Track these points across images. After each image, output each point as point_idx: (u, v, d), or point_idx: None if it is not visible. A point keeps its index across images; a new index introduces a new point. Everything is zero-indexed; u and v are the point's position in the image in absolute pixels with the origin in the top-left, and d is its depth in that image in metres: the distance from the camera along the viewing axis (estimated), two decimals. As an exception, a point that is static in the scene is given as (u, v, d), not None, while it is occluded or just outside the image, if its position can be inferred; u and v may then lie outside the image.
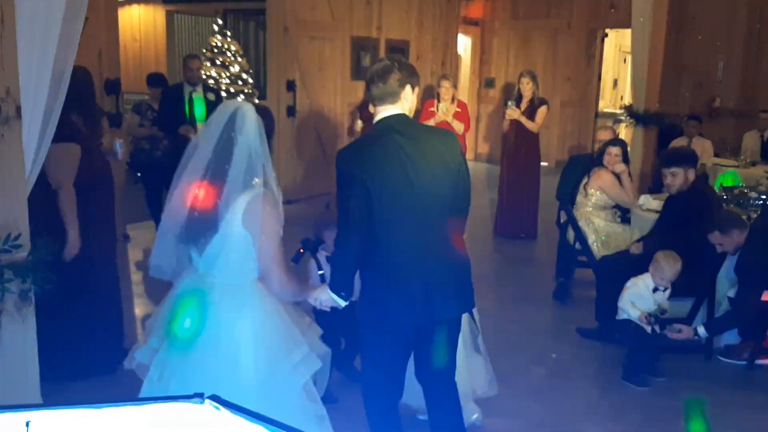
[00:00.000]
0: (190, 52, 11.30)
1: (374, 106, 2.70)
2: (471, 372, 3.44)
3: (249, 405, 2.25)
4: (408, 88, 2.67)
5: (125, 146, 4.52)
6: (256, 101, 8.71)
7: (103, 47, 6.65)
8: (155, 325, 2.55)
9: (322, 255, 3.76)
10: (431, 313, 2.70)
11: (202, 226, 2.39)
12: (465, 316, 3.36)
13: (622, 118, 10.28)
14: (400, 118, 2.69)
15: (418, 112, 7.81)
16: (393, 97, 2.65)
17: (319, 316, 3.67)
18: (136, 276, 5.99)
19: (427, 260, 2.66)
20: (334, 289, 2.71)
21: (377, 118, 2.69)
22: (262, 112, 2.56)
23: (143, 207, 7.58)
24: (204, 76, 9.49)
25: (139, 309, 5.25)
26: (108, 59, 6.76)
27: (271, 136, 2.63)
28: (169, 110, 6.63)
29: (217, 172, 2.36)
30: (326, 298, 2.72)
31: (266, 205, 2.39)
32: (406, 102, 2.69)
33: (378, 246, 2.62)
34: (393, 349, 2.78)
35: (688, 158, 4.44)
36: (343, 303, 2.71)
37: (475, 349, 3.50)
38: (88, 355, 3.98)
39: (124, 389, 2.69)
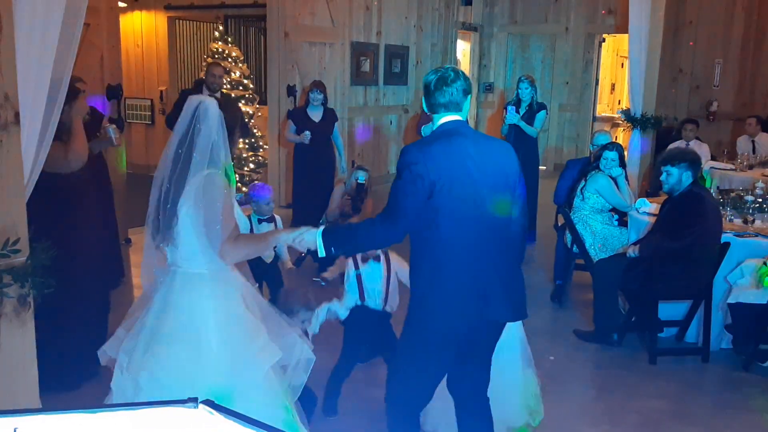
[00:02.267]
0: (191, 58, 11.37)
1: (434, 113, 2.73)
2: (526, 385, 3.50)
3: (217, 390, 2.34)
4: (469, 97, 2.74)
5: (118, 132, 4.53)
6: (232, 95, 8.75)
7: (104, 53, 6.71)
8: (126, 320, 2.67)
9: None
10: (485, 314, 2.66)
11: (168, 215, 2.49)
12: (520, 330, 3.43)
13: (620, 122, 10.33)
14: (462, 123, 2.72)
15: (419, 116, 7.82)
16: (457, 105, 2.69)
17: (350, 330, 3.72)
18: (137, 279, 6.01)
19: (485, 263, 2.63)
20: (329, 242, 2.63)
21: (438, 123, 2.71)
22: (227, 104, 2.69)
23: (145, 211, 7.58)
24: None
25: (139, 313, 5.27)
26: (110, 65, 6.81)
27: (237, 126, 2.69)
28: (181, 110, 6.68)
29: (185, 162, 2.48)
30: (310, 240, 2.64)
31: (211, 182, 2.47)
32: (466, 111, 2.74)
33: (436, 246, 2.60)
34: (440, 353, 2.72)
35: (684, 159, 4.46)
36: (322, 253, 2.64)
37: (528, 364, 3.55)
38: (70, 360, 4.01)
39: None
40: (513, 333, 3.39)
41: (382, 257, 3.62)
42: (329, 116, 6.85)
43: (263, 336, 2.58)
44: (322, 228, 2.66)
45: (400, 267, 3.60)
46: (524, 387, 3.54)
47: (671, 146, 8.07)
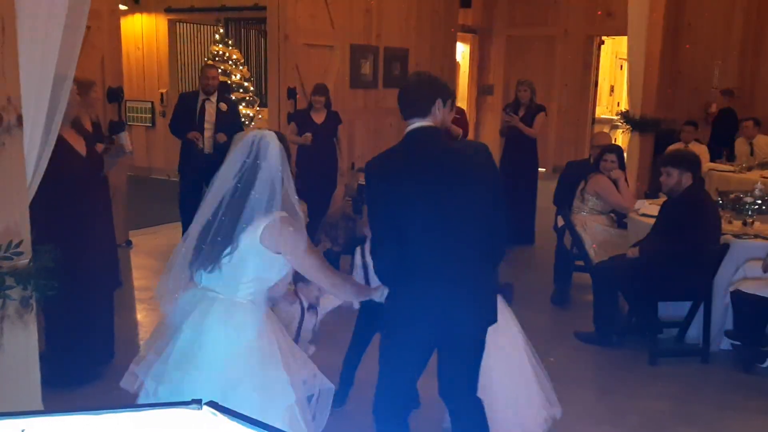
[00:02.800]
0: (192, 60, 11.39)
1: (404, 118, 2.71)
2: (541, 384, 3.54)
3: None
4: (439, 101, 2.66)
5: (129, 138, 4.53)
6: (233, 98, 8.73)
7: (105, 55, 6.72)
8: (154, 341, 2.59)
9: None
10: (450, 326, 2.68)
11: (219, 245, 2.44)
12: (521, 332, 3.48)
13: (619, 124, 10.35)
14: (430, 130, 2.67)
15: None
16: (424, 111, 2.65)
17: (360, 319, 3.78)
18: (138, 282, 6.03)
19: (451, 272, 2.63)
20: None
21: (407, 129, 2.69)
22: (280, 139, 2.61)
23: (146, 213, 7.62)
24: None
25: (141, 315, 5.29)
26: (111, 67, 6.83)
27: (288, 161, 2.67)
28: (181, 116, 6.80)
29: (239, 195, 2.44)
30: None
31: (286, 226, 2.45)
32: (438, 115, 2.68)
33: (403, 256, 2.61)
34: (408, 359, 2.76)
35: (684, 161, 4.48)
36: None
37: (537, 362, 3.58)
38: (76, 360, 4.02)
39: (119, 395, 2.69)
40: (515, 335, 3.41)
41: None
42: (332, 119, 6.88)
43: (280, 371, 2.49)
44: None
45: None
46: (539, 387, 3.55)
47: (670, 148, 8.11)
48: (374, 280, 3.60)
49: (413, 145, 2.65)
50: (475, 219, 2.65)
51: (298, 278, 3.28)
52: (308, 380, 2.52)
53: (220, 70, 9.27)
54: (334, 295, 2.63)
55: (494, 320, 2.81)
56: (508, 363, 3.41)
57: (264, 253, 2.44)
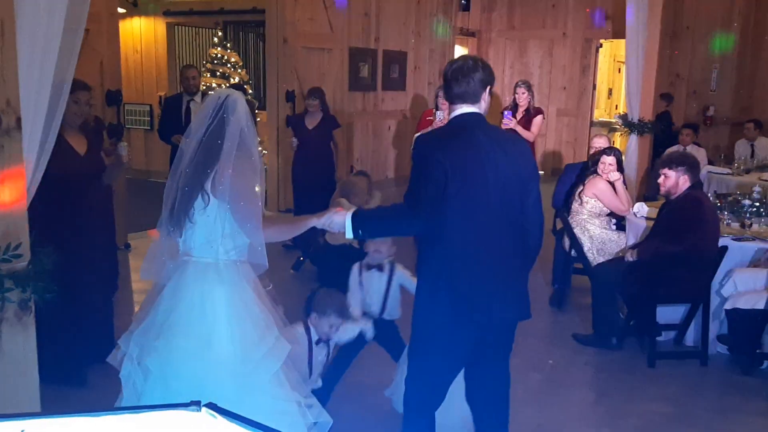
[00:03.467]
0: (190, 63, 11.39)
1: (451, 103, 2.69)
2: None
3: (222, 391, 2.34)
4: (488, 89, 2.68)
5: (128, 148, 4.55)
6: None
7: (104, 58, 6.72)
8: (137, 313, 2.67)
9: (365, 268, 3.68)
10: (491, 315, 2.65)
11: (185, 198, 2.48)
12: None
13: (617, 126, 10.36)
14: (478, 117, 2.67)
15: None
16: (474, 96, 2.64)
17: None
18: (137, 285, 6.02)
19: (492, 261, 2.61)
20: (358, 225, 2.64)
21: (454, 114, 2.67)
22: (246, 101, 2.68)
23: (144, 216, 7.58)
24: (204, 87, 9.56)
25: (139, 318, 5.28)
26: (109, 70, 6.83)
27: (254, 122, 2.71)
28: (167, 120, 6.79)
29: (210, 149, 2.47)
30: (339, 222, 2.67)
31: (236, 166, 2.45)
32: (484, 103, 2.68)
33: (443, 243, 2.57)
34: (448, 353, 2.70)
35: (683, 163, 4.48)
36: (350, 235, 2.67)
37: None
38: (74, 361, 4.03)
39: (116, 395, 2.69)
40: None
41: (386, 267, 3.64)
42: (327, 123, 6.83)
43: (274, 332, 2.55)
44: (352, 210, 2.69)
45: (405, 277, 3.61)
46: None
47: (669, 150, 8.12)
48: (365, 302, 3.61)
49: (465, 129, 2.63)
50: (516, 211, 2.66)
51: (310, 309, 3.28)
52: (270, 350, 2.54)
53: (219, 73, 9.30)
54: (270, 238, 2.56)
55: (530, 315, 2.79)
56: None
57: (217, 206, 2.46)
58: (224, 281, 2.52)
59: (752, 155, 8.25)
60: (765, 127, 8.71)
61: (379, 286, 3.62)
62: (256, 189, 2.49)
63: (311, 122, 6.81)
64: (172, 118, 6.71)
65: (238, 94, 2.56)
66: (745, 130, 8.48)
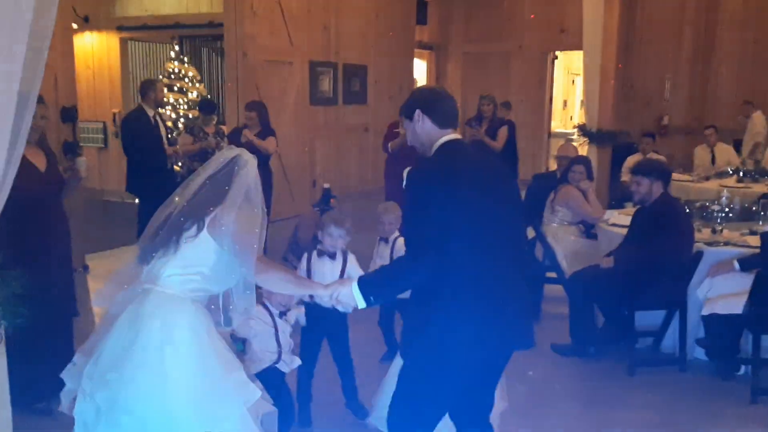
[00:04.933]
0: (145, 78, 11.14)
1: (439, 127, 2.58)
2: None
3: (186, 420, 2.27)
4: None
5: (86, 164, 4.39)
6: (190, 116, 8.77)
7: (59, 74, 6.49)
8: (85, 344, 2.53)
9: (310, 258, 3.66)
10: (504, 344, 2.56)
11: (180, 224, 2.42)
12: None
13: (574, 137, 10.51)
14: (463, 143, 2.64)
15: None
16: (456, 123, 2.61)
17: (305, 330, 3.66)
18: (98, 308, 5.78)
19: (503, 286, 2.51)
20: (366, 290, 2.49)
21: (442, 140, 2.57)
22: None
23: (101, 236, 7.37)
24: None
25: (103, 343, 5.06)
26: (64, 86, 6.60)
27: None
28: (139, 135, 6.67)
29: (215, 191, 2.46)
30: (347, 294, 2.51)
31: (239, 216, 2.43)
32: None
33: (452, 275, 2.42)
34: (452, 385, 2.55)
35: (654, 170, 4.53)
36: (363, 305, 2.51)
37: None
38: (38, 387, 3.84)
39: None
40: None
41: (339, 256, 3.59)
42: (264, 134, 6.59)
43: (240, 371, 2.45)
44: (356, 281, 2.53)
45: (356, 270, 3.58)
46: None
47: (629, 159, 8.26)
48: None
49: (457, 156, 2.56)
50: (512, 226, 2.61)
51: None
52: (237, 387, 2.45)
53: (176, 88, 9.11)
54: (273, 289, 2.60)
55: (532, 344, 2.67)
56: None
57: (214, 247, 2.42)
58: (188, 312, 2.42)
59: (713, 161, 8.43)
60: (720, 133, 8.91)
61: (332, 276, 3.51)
62: (256, 230, 2.45)
63: (249, 137, 6.53)
64: (144, 132, 6.56)
65: (250, 156, 2.57)
66: (706, 136, 8.67)
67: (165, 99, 6.78)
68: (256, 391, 2.45)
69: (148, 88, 6.75)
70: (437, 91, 2.71)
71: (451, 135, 2.59)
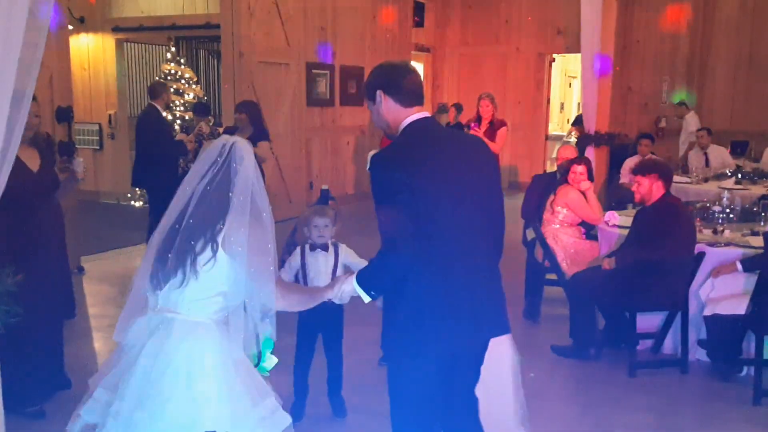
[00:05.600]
0: (141, 80, 11.10)
1: (403, 106, 2.44)
2: (518, 402, 3.39)
3: None
4: None
5: (83, 165, 4.35)
6: (187, 117, 8.83)
7: (54, 74, 6.43)
8: (104, 377, 2.33)
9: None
10: (478, 332, 2.49)
11: (191, 248, 2.23)
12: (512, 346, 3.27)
13: (571, 140, 10.49)
14: (432, 121, 2.51)
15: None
16: (422, 97, 2.49)
17: (301, 321, 3.69)
18: (93, 309, 5.72)
19: (475, 273, 2.44)
20: (366, 286, 2.42)
21: (408, 120, 2.44)
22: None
23: (96, 238, 7.32)
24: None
25: (99, 343, 5.00)
26: (60, 86, 6.55)
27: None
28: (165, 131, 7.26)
29: (217, 202, 2.26)
30: (350, 290, 2.45)
31: (250, 227, 2.26)
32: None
33: (422, 262, 2.34)
34: (433, 378, 2.48)
35: (655, 169, 4.50)
36: (368, 299, 2.45)
37: (520, 385, 3.43)
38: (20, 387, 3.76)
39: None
40: (508, 346, 3.27)
41: (330, 248, 3.60)
42: (255, 137, 6.29)
43: (270, 398, 2.31)
44: (354, 275, 2.47)
45: (350, 258, 3.61)
46: (517, 404, 3.44)
47: (627, 161, 8.24)
48: (313, 282, 3.56)
49: (426, 137, 2.44)
50: (486, 209, 2.50)
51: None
52: (266, 417, 2.29)
53: (173, 89, 9.06)
54: (284, 307, 2.41)
55: (508, 329, 2.63)
56: (493, 374, 3.25)
57: (232, 263, 2.25)
58: (215, 340, 2.27)
59: (707, 163, 8.41)
60: (714, 135, 8.90)
61: (326, 268, 3.58)
62: (269, 247, 2.28)
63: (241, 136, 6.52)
64: (162, 128, 7.07)
65: (244, 142, 2.36)
66: (699, 139, 8.65)
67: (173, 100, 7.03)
68: (285, 419, 2.33)
69: (161, 89, 7.15)
70: (398, 66, 2.55)
71: (418, 114, 2.45)
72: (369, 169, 2.58)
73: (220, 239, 2.23)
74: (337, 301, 2.54)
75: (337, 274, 3.56)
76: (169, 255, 2.25)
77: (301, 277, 3.62)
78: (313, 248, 3.58)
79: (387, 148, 2.49)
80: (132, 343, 2.30)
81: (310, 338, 3.77)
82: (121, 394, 2.22)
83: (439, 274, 2.39)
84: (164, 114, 7.02)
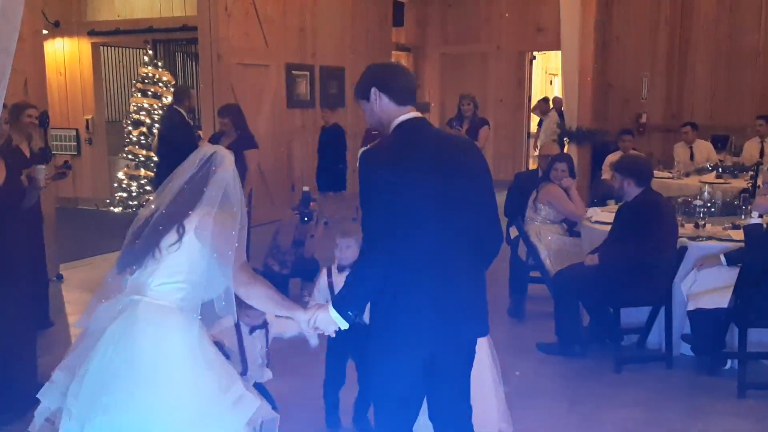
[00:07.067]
0: (118, 84, 10.97)
1: (397, 104, 2.45)
2: (498, 404, 3.38)
3: None
4: None
5: (44, 172, 4.28)
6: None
7: (29, 79, 6.33)
8: (66, 361, 2.37)
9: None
10: (454, 332, 2.47)
11: (159, 232, 2.31)
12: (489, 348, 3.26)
13: (554, 136, 10.51)
14: (424, 122, 2.52)
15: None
16: (415, 97, 2.50)
17: (330, 343, 3.54)
18: (72, 318, 5.63)
19: (450, 277, 2.42)
20: (340, 306, 2.41)
21: (400, 119, 2.45)
22: None
23: (75, 245, 7.21)
24: (134, 108, 9.21)
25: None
26: (35, 91, 6.44)
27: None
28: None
29: (191, 194, 2.36)
30: (325, 318, 2.43)
31: (217, 223, 2.33)
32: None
33: (399, 260, 2.35)
34: (407, 378, 2.48)
35: (635, 166, 4.51)
36: (345, 325, 2.43)
37: (499, 382, 3.41)
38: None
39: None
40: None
41: None
42: (240, 144, 6.23)
43: (238, 383, 2.33)
44: (330, 304, 2.45)
45: None
46: (497, 401, 3.41)
47: (609, 157, 8.25)
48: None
49: (415, 136, 2.44)
50: (473, 213, 2.48)
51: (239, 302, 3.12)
52: (236, 402, 2.32)
53: (150, 93, 8.96)
54: (254, 303, 2.47)
55: (488, 330, 2.63)
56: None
57: (200, 250, 2.32)
58: (179, 324, 2.29)
59: (692, 157, 8.45)
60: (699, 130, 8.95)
61: None
62: (233, 233, 2.34)
63: (225, 142, 6.20)
64: (187, 132, 7.16)
65: (226, 152, 2.48)
66: (684, 134, 8.70)
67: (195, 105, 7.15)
68: (254, 402, 2.34)
69: (184, 95, 7.31)
70: (392, 66, 2.62)
71: (410, 113, 2.46)
72: (358, 165, 2.59)
73: (187, 224, 2.30)
74: (306, 329, 2.51)
75: None
76: (137, 241, 2.33)
77: (330, 299, 3.50)
78: (340, 269, 3.47)
79: (376, 146, 2.52)
80: (95, 327, 2.32)
81: (339, 362, 3.64)
82: (80, 376, 2.24)
83: (417, 273, 2.39)
84: (187, 118, 7.09)
